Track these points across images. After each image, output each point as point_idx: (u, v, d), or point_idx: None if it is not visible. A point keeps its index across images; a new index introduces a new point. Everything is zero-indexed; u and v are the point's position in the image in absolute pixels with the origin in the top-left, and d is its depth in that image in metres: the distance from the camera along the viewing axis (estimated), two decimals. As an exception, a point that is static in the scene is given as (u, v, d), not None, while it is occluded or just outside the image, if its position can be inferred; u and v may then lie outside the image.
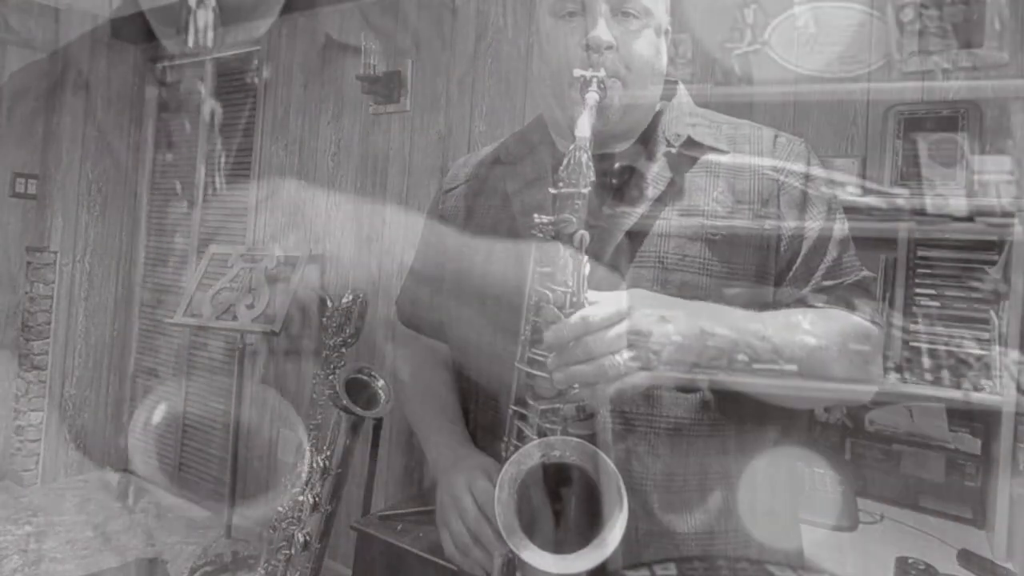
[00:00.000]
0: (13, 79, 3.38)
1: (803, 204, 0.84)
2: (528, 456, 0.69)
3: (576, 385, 0.69)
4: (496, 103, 2.40)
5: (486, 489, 0.77)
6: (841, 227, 0.85)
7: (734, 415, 0.82)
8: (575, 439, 0.69)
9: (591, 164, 0.71)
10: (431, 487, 0.93)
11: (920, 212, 1.48)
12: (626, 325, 0.69)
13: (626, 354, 0.68)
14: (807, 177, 0.85)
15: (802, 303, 0.82)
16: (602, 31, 0.80)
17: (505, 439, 0.75)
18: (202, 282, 2.74)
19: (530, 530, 0.67)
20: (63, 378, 3.49)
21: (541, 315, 0.71)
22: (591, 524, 0.66)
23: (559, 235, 0.70)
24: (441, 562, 0.86)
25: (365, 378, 1.52)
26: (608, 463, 0.67)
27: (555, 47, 0.84)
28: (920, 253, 1.56)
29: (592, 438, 0.71)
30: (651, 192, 0.83)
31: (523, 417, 0.73)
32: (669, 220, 0.82)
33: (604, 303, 0.70)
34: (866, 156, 1.69)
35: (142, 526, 3.06)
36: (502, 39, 2.40)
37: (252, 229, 3.10)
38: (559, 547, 0.66)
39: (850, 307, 0.82)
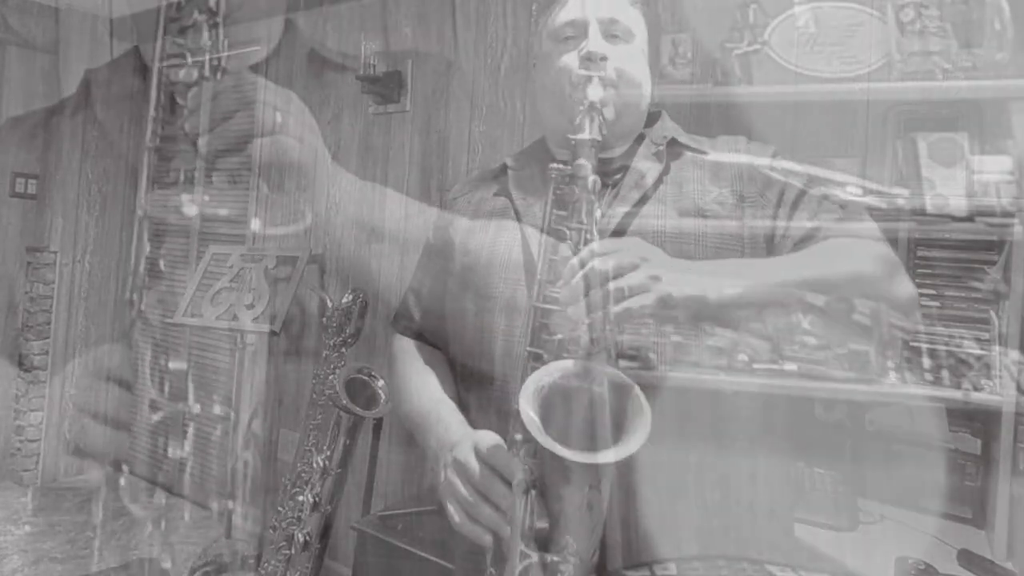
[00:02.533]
0: (13, 79, 3.38)
1: (783, 185, 0.93)
2: (547, 373, 0.72)
3: (589, 315, 0.72)
4: (496, 103, 2.40)
5: (493, 446, 0.77)
6: (819, 192, 0.92)
7: (733, 414, 0.82)
8: (586, 361, 0.72)
9: (604, 122, 0.83)
10: (431, 487, 0.92)
11: (920, 212, 1.48)
12: (635, 254, 0.74)
13: (635, 277, 0.72)
14: (774, 166, 0.94)
15: (799, 243, 0.88)
16: (598, 45, 0.92)
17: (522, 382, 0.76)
18: (202, 282, 2.74)
19: (556, 432, 0.68)
20: (63, 378, 3.49)
21: (557, 253, 0.78)
22: (614, 428, 0.68)
23: (574, 178, 0.79)
24: (441, 562, 0.86)
25: (365, 378, 1.52)
26: (623, 377, 0.70)
27: (556, 63, 0.96)
28: (920, 253, 1.56)
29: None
30: (646, 181, 0.92)
31: (538, 357, 0.76)
32: (665, 204, 0.91)
33: (610, 240, 0.78)
34: (866, 156, 1.69)
35: (141, 526, 3.06)
36: (502, 39, 2.40)
37: (252, 229, 3.10)
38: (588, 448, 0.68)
39: (848, 233, 0.88)
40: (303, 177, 0.73)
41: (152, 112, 3.34)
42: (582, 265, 0.72)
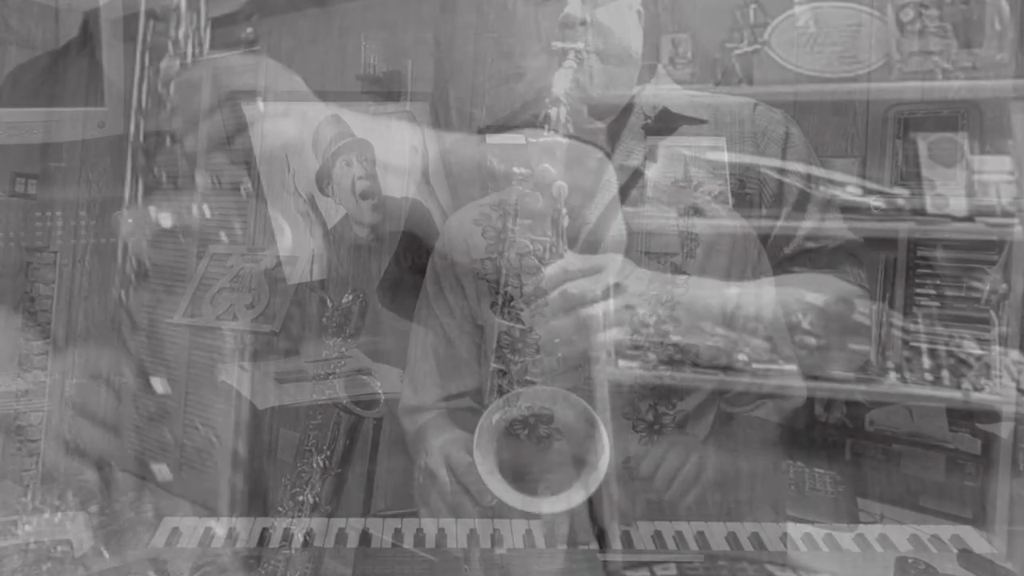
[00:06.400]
0: (13, 77, 3.38)
1: (783, 168, 0.87)
2: (505, 404, 0.70)
3: (556, 339, 0.70)
4: (496, 103, 2.40)
5: (461, 461, 0.76)
6: (824, 192, 0.89)
7: (733, 413, 0.82)
8: (553, 388, 0.70)
9: (568, 118, 0.75)
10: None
11: (920, 212, 1.48)
12: (605, 277, 0.71)
13: (608, 305, 0.70)
14: (787, 140, 0.88)
15: (787, 264, 0.85)
16: (575, 8, 0.83)
17: (488, 400, 0.75)
18: (202, 282, 2.73)
19: (511, 475, 0.67)
20: (63, 378, 3.49)
21: (522, 266, 0.73)
22: (574, 467, 0.67)
23: (538, 186, 0.73)
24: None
25: (365, 378, 1.52)
26: (586, 408, 0.68)
27: (533, 29, 0.88)
28: (920, 253, 1.56)
29: (574, 392, 0.71)
30: (631, 162, 0.86)
31: (503, 374, 0.74)
32: (651, 187, 0.85)
33: (584, 258, 0.73)
34: (866, 156, 1.69)
35: (142, 526, 3.06)
36: (502, 38, 2.40)
37: (252, 229, 3.09)
38: (541, 490, 0.66)
39: (833, 270, 0.84)
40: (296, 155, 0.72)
41: (136, 103, 3.35)
42: (551, 286, 0.69)
